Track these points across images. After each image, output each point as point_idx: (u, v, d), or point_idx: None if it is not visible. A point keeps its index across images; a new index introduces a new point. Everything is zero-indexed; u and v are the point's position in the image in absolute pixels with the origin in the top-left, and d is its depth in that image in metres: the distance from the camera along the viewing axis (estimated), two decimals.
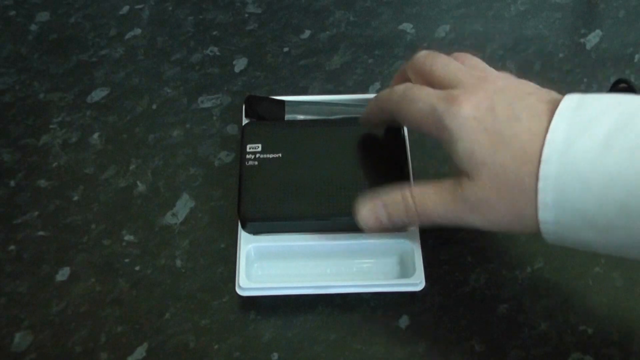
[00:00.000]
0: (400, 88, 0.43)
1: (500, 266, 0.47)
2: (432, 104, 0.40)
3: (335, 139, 0.49)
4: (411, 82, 0.44)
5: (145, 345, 0.45)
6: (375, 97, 0.46)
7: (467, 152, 0.39)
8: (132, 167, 0.52)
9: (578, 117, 0.37)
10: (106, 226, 0.49)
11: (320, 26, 0.61)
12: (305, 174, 0.48)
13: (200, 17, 0.61)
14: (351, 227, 0.47)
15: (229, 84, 0.57)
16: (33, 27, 0.61)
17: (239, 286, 0.45)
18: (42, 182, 0.52)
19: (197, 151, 0.53)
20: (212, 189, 0.51)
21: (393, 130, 0.49)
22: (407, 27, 0.60)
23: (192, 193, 0.51)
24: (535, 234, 0.39)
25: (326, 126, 0.50)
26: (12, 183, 0.52)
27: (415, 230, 0.47)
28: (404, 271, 0.46)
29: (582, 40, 0.59)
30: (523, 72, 0.56)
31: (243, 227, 0.47)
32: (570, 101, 0.38)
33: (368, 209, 0.44)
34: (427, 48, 0.45)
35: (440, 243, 0.48)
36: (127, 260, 0.48)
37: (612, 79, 0.55)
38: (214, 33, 0.60)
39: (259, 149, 0.49)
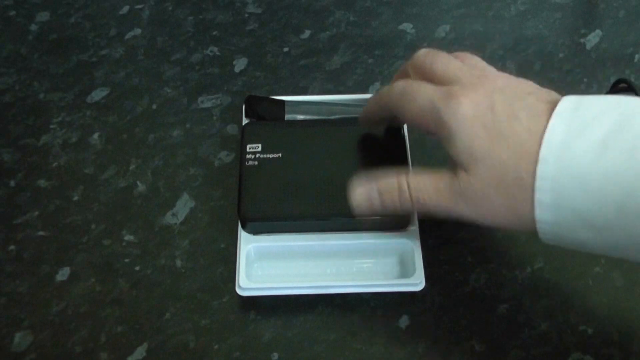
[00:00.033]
0: (400, 84, 0.43)
1: (500, 266, 0.47)
2: (431, 100, 0.40)
3: (335, 139, 0.49)
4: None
5: (145, 345, 0.45)
6: (375, 94, 0.46)
7: (466, 147, 0.39)
8: (132, 167, 0.52)
9: (576, 118, 0.37)
10: (106, 226, 0.49)
11: (320, 26, 0.61)
12: (305, 174, 0.48)
13: (200, 17, 0.61)
14: (351, 227, 0.47)
15: (229, 84, 0.57)
16: (33, 27, 0.61)
17: (239, 286, 0.45)
18: (42, 182, 0.52)
19: (197, 151, 0.53)
20: (212, 189, 0.51)
21: (393, 130, 0.49)
22: (407, 27, 0.60)
23: (192, 193, 0.51)
24: (532, 234, 0.39)
25: (326, 126, 0.50)
26: (12, 183, 0.52)
27: (415, 230, 0.47)
28: (404, 271, 0.46)
29: (582, 40, 0.59)
30: (523, 72, 0.56)
31: (243, 227, 0.47)
32: (569, 102, 0.38)
33: (362, 191, 0.43)
34: (428, 47, 0.45)
35: (440, 243, 0.48)
36: (127, 260, 0.48)
37: (612, 79, 0.55)
38: (214, 33, 0.60)
39: (259, 149, 0.49)
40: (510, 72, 0.43)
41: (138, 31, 0.60)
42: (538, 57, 0.58)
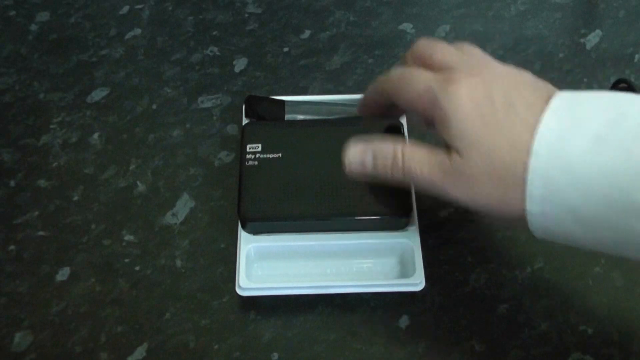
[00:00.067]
0: (398, 70, 0.43)
1: (500, 266, 0.47)
2: (428, 84, 0.40)
3: (335, 139, 0.49)
4: None
5: (145, 345, 0.45)
6: (373, 81, 0.46)
7: (460, 132, 0.39)
8: (132, 167, 0.52)
9: (570, 113, 0.37)
10: (106, 226, 0.49)
11: (320, 26, 0.61)
12: (305, 174, 0.48)
13: (200, 17, 0.61)
14: (351, 227, 0.47)
15: (229, 84, 0.57)
16: (33, 27, 0.61)
17: (239, 286, 0.45)
18: (42, 182, 0.52)
19: (197, 151, 0.53)
20: (212, 189, 0.51)
21: (393, 129, 0.49)
22: (407, 27, 0.60)
23: (192, 193, 0.51)
24: (520, 224, 0.39)
25: (326, 126, 0.50)
26: (12, 183, 0.52)
27: (415, 230, 0.47)
28: (404, 271, 0.46)
29: (582, 40, 0.59)
30: None
31: (243, 227, 0.47)
32: (564, 97, 0.38)
33: (357, 151, 0.43)
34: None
35: (440, 243, 0.48)
36: (127, 260, 0.48)
37: (612, 79, 0.55)
38: (214, 33, 0.60)
39: (259, 149, 0.49)
40: None
41: (138, 31, 0.60)
42: (538, 57, 0.58)
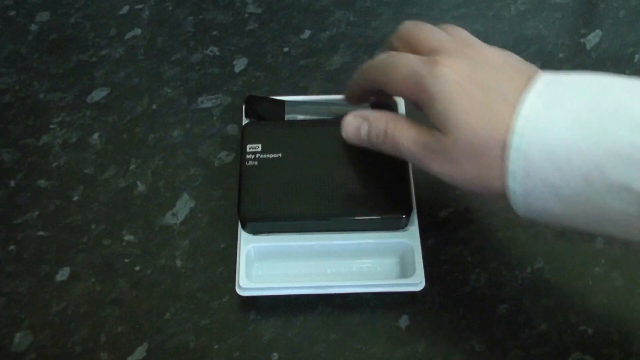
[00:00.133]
0: (382, 55, 0.44)
1: (500, 266, 0.47)
2: (413, 67, 0.41)
3: (335, 139, 0.49)
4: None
5: (145, 345, 0.45)
6: (359, 68, 0.47)
7: (443, 112, 0.39)
8: (132, 167, 0.52)
9: (551, 92, 0.38)
10: (106, 226, 0.49)
11: (320, 26, 0.61)
12: (305, 174, 0.48)
13: (200, 17, 0.61)
14: (351, 227, 0.47)
15: (229, 84, 0.57)
16: (33, 27, 0.61)
17: (239, 286, 0.45)
18: (42, 182, 0.52)
19: (197, 151, 0.53)
20: (212, 189, 0.51)
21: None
22: None
23: (192, 193, 0.51)
24: (503, 203, 0.40)
25: (326, 126, 0.50)
26: (12, 183, 0.52)
27: (415, 230, 0.47)
28: (404, 271, 0.46)
29: (582, 40, 0.59)
30: None
31: (243, 227, 0.47)
32: (547, 77, 0.39)
33: (354, 117, 0.45)
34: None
35: (440, 243, 0.48)
36: (127, 260, 0.48)
37: None
38: (214, 33, 0.60)
39: (259, 149, 0.49)
40: None
41: (138, 31, 0.60)
42: (538, 57, 0.58)
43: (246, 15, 0.61)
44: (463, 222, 0.49)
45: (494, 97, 0.39)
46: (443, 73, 0.39)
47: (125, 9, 0.62)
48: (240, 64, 0.58)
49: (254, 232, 0.47)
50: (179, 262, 0.48)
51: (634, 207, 0.35)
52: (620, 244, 0.48)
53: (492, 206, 0.48)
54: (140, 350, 0.44)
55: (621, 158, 0.35)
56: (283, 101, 0.52)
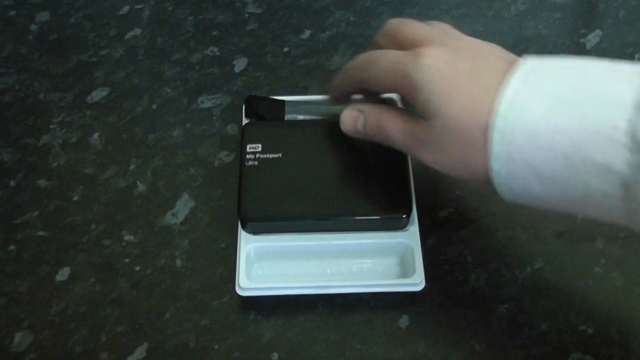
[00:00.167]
0: (366, 54, 0.45)
1: (500, 266, 0.47)
2: (397, 60, 0.42)
3: (336, 139, 0.49)
4: None
5: (145, 345, 0.45)
6: (342, 68, 0.47)
7: (427, 102, 0.40)
8: (132, 167, 0.52)
9: (533, 74, 0.38)
10: (106, 226, 0.49)
11: (320, 26, 0.61)
12: (306, 174, 0.48)
13: (200, 17, 0.61)
14: (351, 227, 0.47)
15: (229, 84, 0.57)
16: (33, 27, 0.61)
17: (239, 286, 0.45)
18: (42, 182, 0.52)
19: (197, 151, 0.53)
20: (212, 189, 0.51)
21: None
22: None
23: (192, 193, 0.51)
24: (489, 187, 0.40)
25: (326, 126, 0.50)
26: (12, 183, 0.52)
27: (415, 230, 0.47)
28: (404, 271, 0.46)
29: (582, 40, 0.59)
30: None
31: (243, 227, 0.47)
32: (530, 61, 0.39)
33: (351, 111, 0.46)
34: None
35: (440, 243, 0.48)
36: (127, 260, 0.48)
37: None
38: (214, 33, 0.60)
39: (259, 149, 0.49)
40: None
41: (138, 31, 0.60)
42: None
43: (246, 15, 0.61)
44: (463, 222, 0.49)
45: (476, 83, 0.39)
46: (426, 63, 0.40)
47: (125, 9, 0.62)
48: (240, 64, 0.58)
49: (254, 232, 0.47)
50: (179, 262, 0.48)
51: (614, 187, 0.36)
52: (620, 244, 0.48)
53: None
54: (140, 350, 0.44)
55: (600, 138, 0.35)
56: (283, 101, 0.52)
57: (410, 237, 0.47)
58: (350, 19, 0.61)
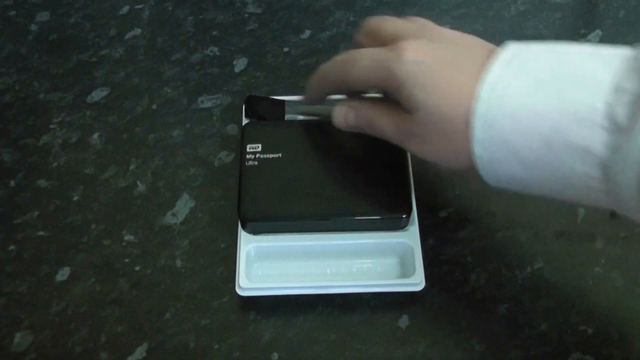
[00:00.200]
0: (343, 55, 0.45)
1: (500, 266, 0.47)
2: (377, 58, 0.42)
3: (335, 139, 0.49)
4: None
5: (145, 345, 0.45)
6: (317, 71, 0.47)
7: (410, 96, 0.40)
8: (132, 167, 0.52)
9: (515, 60, 0.39)
10: (106, 226, 0.49)
11: (320, 26, 0.60)
12: (306, 174, 0.48)
13: (200, 17, 0.61)
14: (351, 227, 0.47)
15: (229, 84, 0.57)
16: (33, 27, 0.61)
17: (239, 286, 0.45)
18: (42, 182, 0.52)
19: (197, 151, 0.53)
20: (212, 189, 0.51)
21: None
22: None
23: (192, 193, 0.51)
24: (475, 173, 0.40)
25: (326, 126, 0.50)
26: (12, 183, 0.52)
27: (415, 230, 0.47)
28: (404, 271, 0.46)
29: (582, 40, 0.59)
30: None
31: (243, 227, 0.47)
32: (513, 47, 0.39)
33: (342, 107, 0.47)
34: None
35: (440, 243, 0.48)
36: (127, 260, 0.48)
37: None
38: (214, 33, 0.60)
39: (259, 149, 0.49)
40: None
41: (138, 31, 0.60)
42: None
43: (246, 15, 0.61)
44: (463, 222, 0.49)
45: (456, 73, 0.40)
46: (407, 57, 0.40)
47: (125, 9, 0.62)
48: (240, 64, 0.58)
49: (254, 232, 0.47)
50: (179, 262, 0.48)
51: (594, 169, 0.36)
52: (621, 244, 0.48)
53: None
54: (140, 350, 0.44)
55: (579, 120, 0.36)
56: (283, 101, 0.52)
57: (410, 237, 0.47)
58: (350, 19, 0.61)
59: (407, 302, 0.46)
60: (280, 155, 0.48)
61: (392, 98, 0.42)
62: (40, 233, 0.49)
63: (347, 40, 0.59)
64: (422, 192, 0.49)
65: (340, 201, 0.46)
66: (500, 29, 0.60)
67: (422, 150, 0.42)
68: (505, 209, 0.50)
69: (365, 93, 0.48)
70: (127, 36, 0.60)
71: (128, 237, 0.49)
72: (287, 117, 0.52)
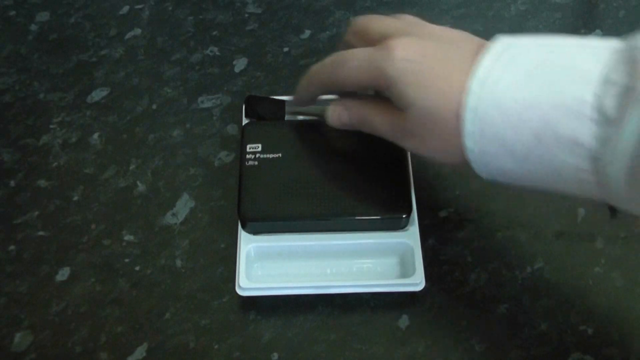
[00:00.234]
0: (332, 56, 0.45)
1: (500, 266, 0.47)
2: (367, 58, 0.42)
3: (335, 139, 0.49)
4: None
5: (145, 345, 0.45)
6: (307, 72, 0.47)
7: (401, 94, 0.41)
8: (132, 167, 0.52)
9: (506, 53, 0.39)
10: (106, 226, 0.49)
11: (320, 26, 0.60)
12: (305, 174, 0.48)
13: (200, 17, 0.61)
14: (351, 227, 0.47)
15: (229, 84, 0.57)
16: (33, 27, 0.61)
17: (239, 286, 0.45)
18: (42, 182, 0.52)
19: (197, 151, 0.53)
20: (212, 189, 0.51)
21: None
22: None
23: (192, 193, 0.51)
24: (466, 166, 0.41)
25: (326, 126, 0.50)
26: (12, 183, 0.52)
27: (415, 230, 0.47)
28: (404, 271, 0.46)
29: None
30: None
31: (243, 227, 0.47)
32: (503, 40, 0.39)
33: (336, 106, 0.47)
34: None
35: (440, 243, 0.48)
36: (127, 260, 0.48)
37: None
38: (214, 33, 0.60)
39: (259, 149, 0.49)
40: None
41: (138, 31, 0.60)
42: None
43: (246, 15, 0.61)
44: (463, 222, 0.49)
45: (446, 68, 0.40)
46: (397, 55, 0.40)
47: (125, 9, 0.62)
48: (240, 64, 0.58)
49: (254, 232, 0.47)
50: (179, 262, 0.48)
51: (584, 161, 0.36)
52: (620, 244, 0.48)
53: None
54: (140, 350, 0.44)
55: (568, 112, 0.36)
56: (283, 101, 0.52)
57: (410, 237, 0.47)
58: (351, 19, 0.61)
59: (407, 302, 0.46)
60: (280, 155, 0.48)
61: (385, 96, 0.43)
62: (40, 233, 0.49)
63: None
64: (422, 192, 0.49)
65: (340, 201, 0.46)
66: (500, 29, 0.60)
67: (417, 146, 0.43)
68: (505, 209, 0.50)
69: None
70: (127, 36, 0.60)
71: (128, 237, 0.49)
72: (287, 117, 0.52)
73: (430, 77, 0.40)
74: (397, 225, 0.47)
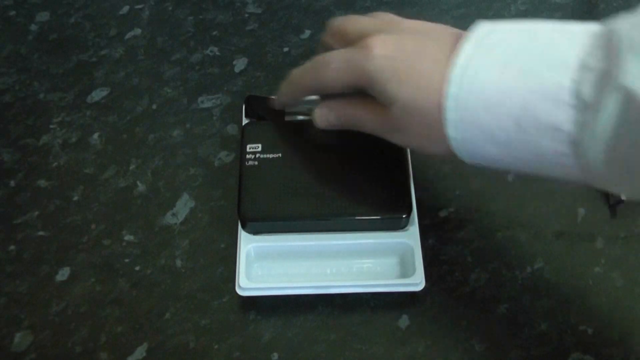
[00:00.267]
0: (313, 60, 0.45)
1: (500, 266, 0.47)
2: (347, 58, 0.42)
3: (335, 139, 0.49)
4: None
5: (145, 345, 0.45)
6: (288, 77, 0.47)
7: (383, 91, 0.41)
8: (132, 167, 0.52)
9: (485, 39, 0.39)
10: (106, 226, 0.49)
11: (320, 26, 0.60)
12: (306, 174, 0.48)
13: (200, 17, 0.61)
14: (351, 227, 0.47)
15: (229, 84, 0.57)
16: (33, 27, 0.61)
17: (239, 286, 0.45)
18: (42, 182, 0.52)
19: (197, 151, 0.53)
20: (212, 189, 0.51)
21: None
22: None
23: (192, 193, 0.51)
24: (454, 155, 0.41)
25: None
26: (12, 183, 0.52)
27: (415, 230, 0.47)
28: (404, 271, 0.46)
29: None
30: None
31: (243, 227, 0.47)
32: (484, 27, 0.39)
33: (321, 109, 0.47)
34: None
35: (440, 243, 0.48)
36: (127, 260, 0.48)
37: None
38: (214, 33, 0.60)
39: (259, 149, 0.49)
40: None
41: (138, 31, 0.60)
42: None
43: (246, 15, 0.61)
44: (463, 222, 0.49)
45: (425, 61, 0.40)
46: (376, 52, 0.41)
47: (125, 9, 0.62)
48: (240, 64, 0.58)
49: (254, 232, 0.47)
50: (179, 262, 0.48)
51: (564, 146, 0.36)
52: (620, 244, 0.48)
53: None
54: (140, 350, 0.44)
55: (547, 98, 0.36)
56: None
57: (410, 237, 0.47)
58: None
59: (407, 302, 0.46)
60: (280, 155, 0.48)
61: (369, 94, 0.43)
62: (40, 233, 0.49)
63: None
64: (422, 192, 0.49)
65: (340, 201, 0.46)
66: None
67: (404, 140, 0.43)
68: (505, 209, 0.50)
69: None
70: (127, 36, 0.60)
71: (128, 237, 0.49)
72: (287, 117, 0.52)
73: (410, 72, 0.40)
74: (397, 225, 0.47)
